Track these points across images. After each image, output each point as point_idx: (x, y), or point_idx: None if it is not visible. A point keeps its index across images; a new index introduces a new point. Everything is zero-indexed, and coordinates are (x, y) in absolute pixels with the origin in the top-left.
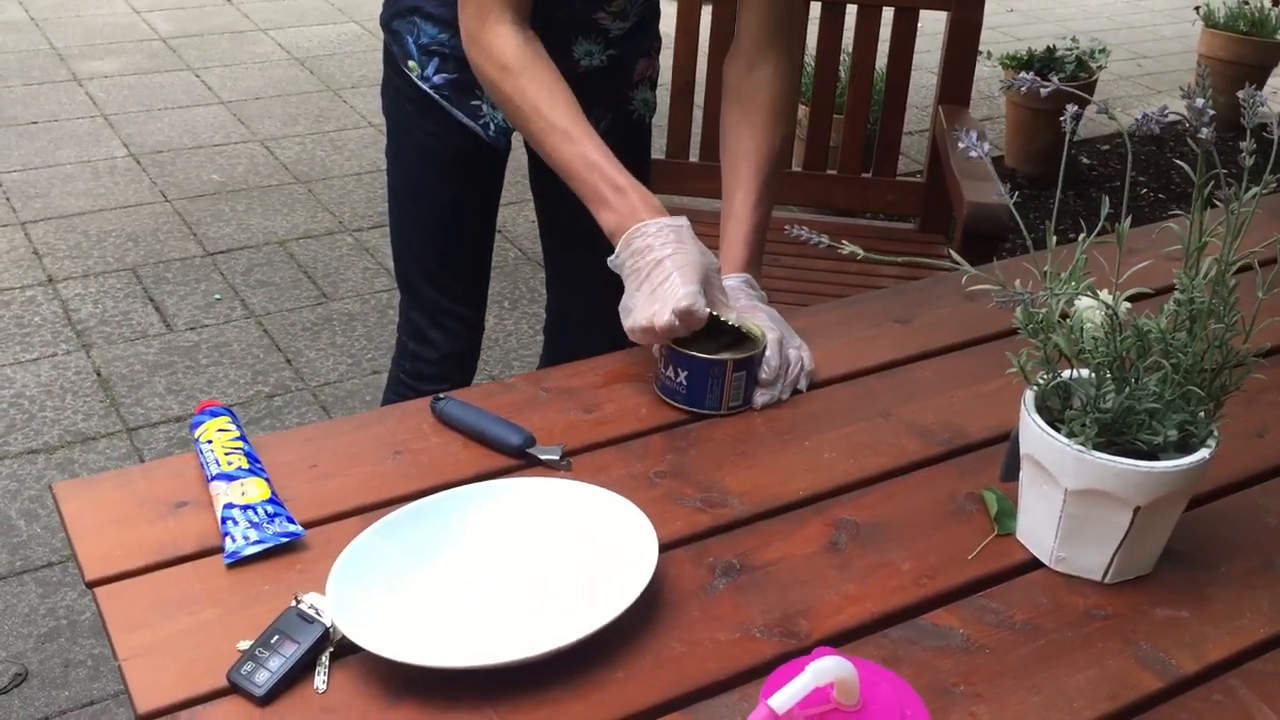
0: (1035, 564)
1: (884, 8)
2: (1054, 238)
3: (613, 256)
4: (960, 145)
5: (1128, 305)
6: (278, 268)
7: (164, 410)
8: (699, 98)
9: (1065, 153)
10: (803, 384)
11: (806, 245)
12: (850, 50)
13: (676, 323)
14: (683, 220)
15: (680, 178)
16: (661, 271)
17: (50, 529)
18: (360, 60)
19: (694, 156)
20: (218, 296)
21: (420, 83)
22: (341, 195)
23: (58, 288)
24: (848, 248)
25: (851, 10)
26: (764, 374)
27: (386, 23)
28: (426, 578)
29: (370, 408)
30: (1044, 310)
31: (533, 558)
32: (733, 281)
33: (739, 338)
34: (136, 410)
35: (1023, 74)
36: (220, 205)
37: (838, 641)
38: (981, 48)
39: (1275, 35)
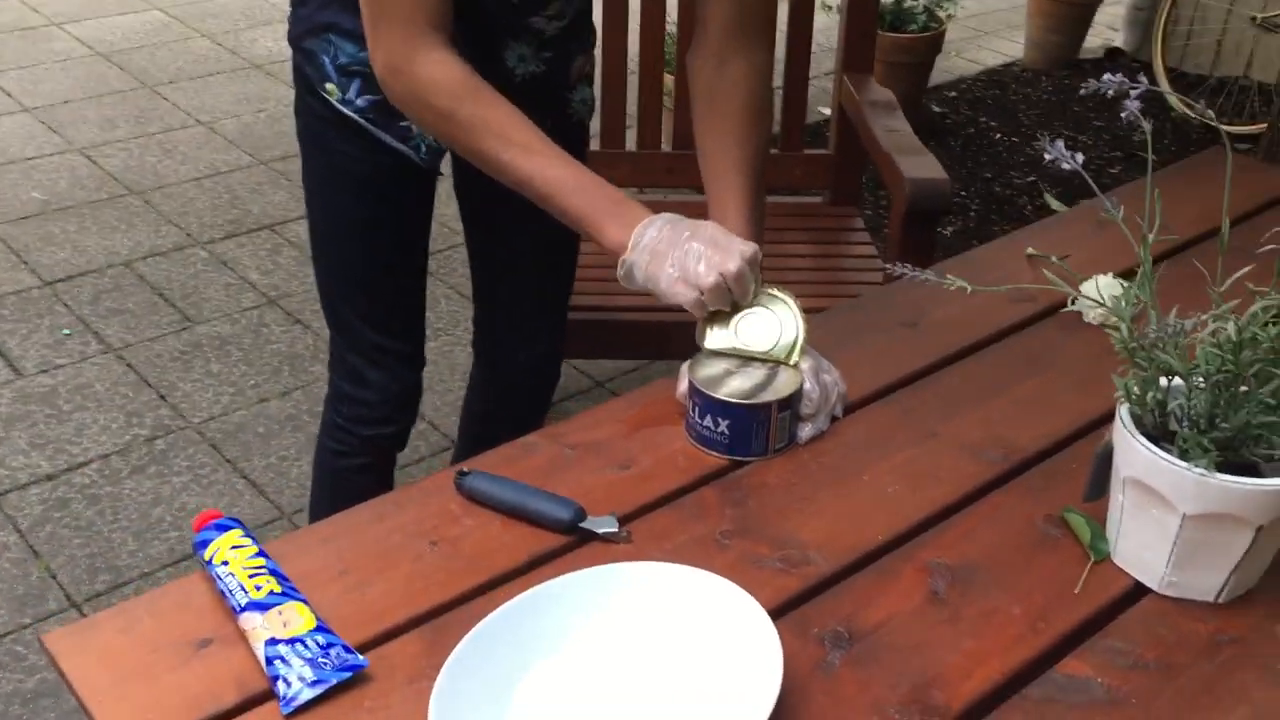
0: (1140, 589)
1: None
2: (1147, 259)
3: (620, 265)
4: (1048, 156)
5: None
6: (128, 293)
7: (32, 469)
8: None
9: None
10: (838, 410)
11: None
12: None
13: (747, 270)
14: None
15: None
16: (704, 233)
17: None
18: (173, 51)
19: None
20: (67, 332)
21: (342, 106)
22: (183, 205)
23: None
24: (955, 283)
25: None
26: (806, 408)
27: (296, 41)
28: (529, 704)
29: (264, 440)
30: (1152, 332)
31: (640, 661)
32: None
33: (751, 368)
34: (0, 473)
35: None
36: (49, 227)
37: (979, 712)
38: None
39: None
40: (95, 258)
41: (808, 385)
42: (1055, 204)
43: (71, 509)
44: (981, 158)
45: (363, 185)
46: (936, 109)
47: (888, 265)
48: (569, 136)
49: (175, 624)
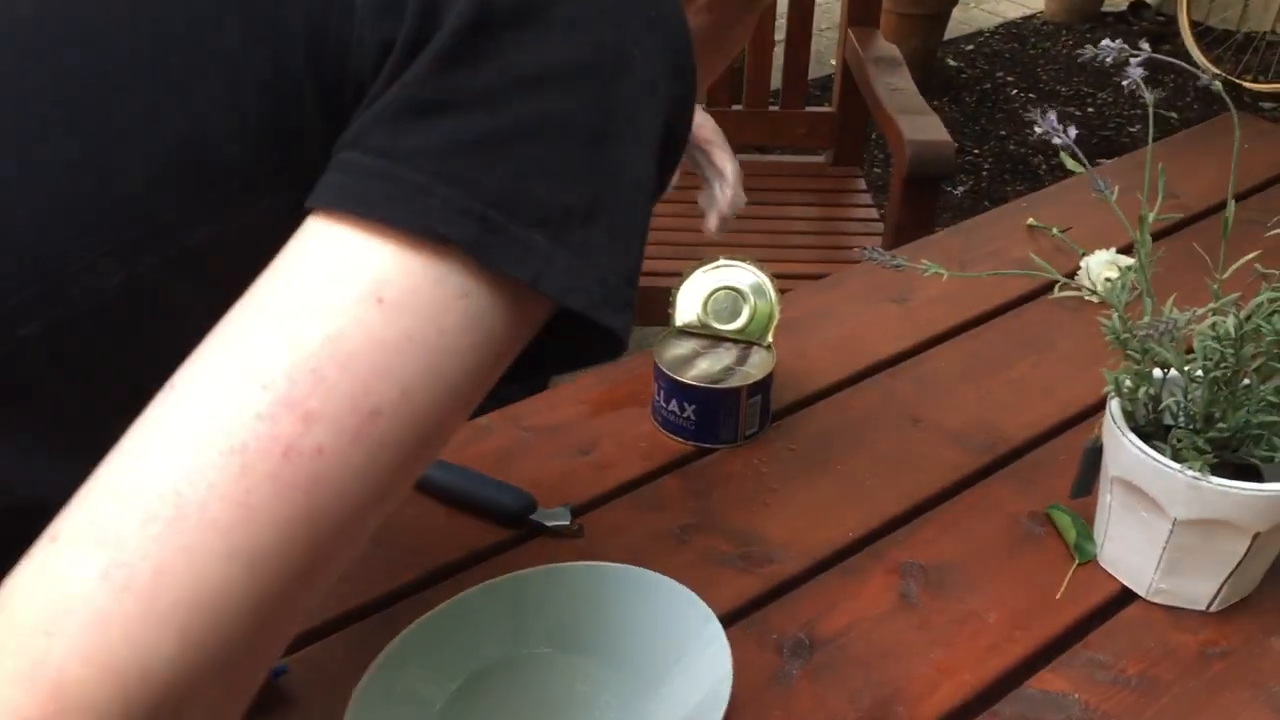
0: (1126, 595)
1: None
2: (1149, 242)
3: None
4: (1039, 130)
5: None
6: None
7: None
8: None
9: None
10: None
11: None
12: None
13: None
14: None
15: None
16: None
17: None
18: None
19: None
20: None
21: None
22: None
23: None
24: (930, 269)
25: None
26: (725, 192)
27: None
28: (456, 717)
29: None
30: (1144, 328)
31: (579, 672)
32: None
33: (721, 349)
34: None
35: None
36: None
37: None
38: None
39: None
40: None
41: (727, 167)
42: (1072, 163)
43: None
44: (997, 115)
45: None
46: (952, 63)
47: (856, 248)
48: None
49: None
